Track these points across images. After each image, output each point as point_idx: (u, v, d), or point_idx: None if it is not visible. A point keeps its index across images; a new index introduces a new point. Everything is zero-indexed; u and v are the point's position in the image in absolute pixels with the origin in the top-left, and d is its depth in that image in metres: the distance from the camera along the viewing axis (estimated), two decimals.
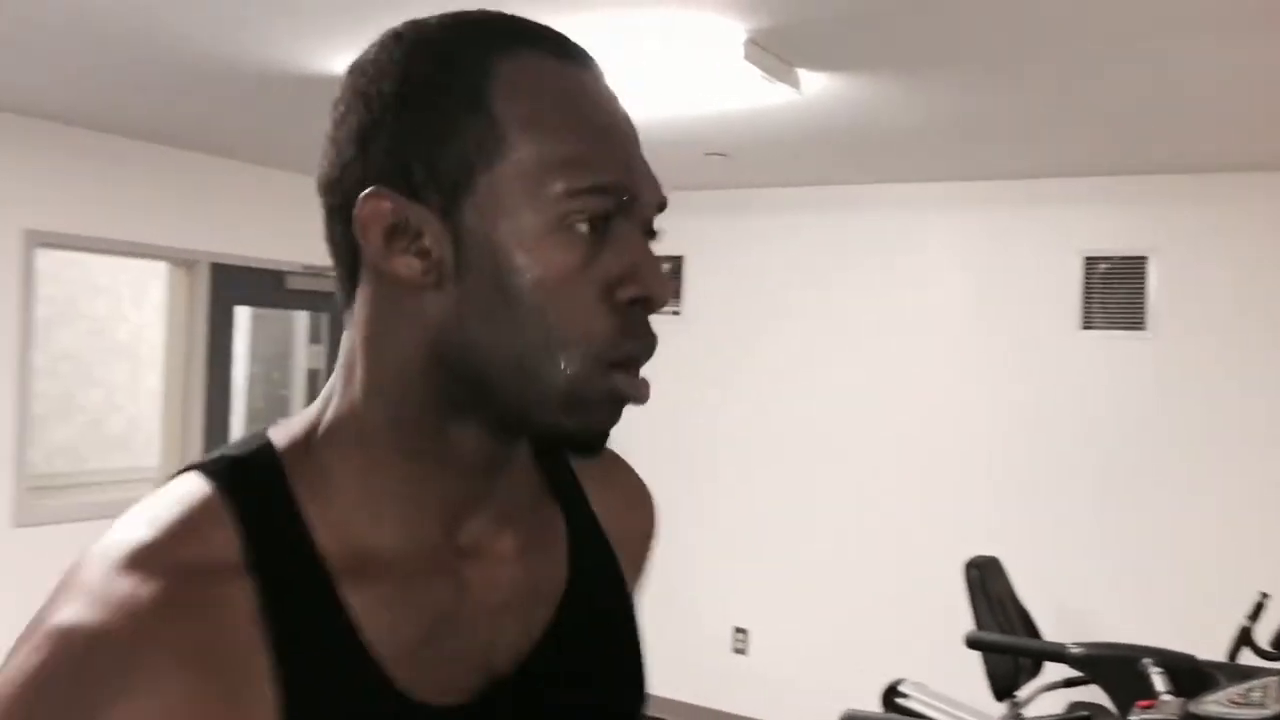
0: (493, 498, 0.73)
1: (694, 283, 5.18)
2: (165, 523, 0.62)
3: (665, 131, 3.82)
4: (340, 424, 0.68)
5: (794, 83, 3.02)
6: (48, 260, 4.61)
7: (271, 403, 5.83)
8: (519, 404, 0.65)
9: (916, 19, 2.59)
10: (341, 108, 0.67)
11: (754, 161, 4.36)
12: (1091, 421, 4.29)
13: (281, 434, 0.69)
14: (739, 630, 5.01)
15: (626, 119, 0.69)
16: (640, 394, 0.67)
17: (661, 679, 4.93)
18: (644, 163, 0.69)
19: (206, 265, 4.70)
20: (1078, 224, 4.35)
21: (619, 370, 0.66)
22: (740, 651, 5.00)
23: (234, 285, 4.83)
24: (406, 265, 0.64)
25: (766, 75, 2.86)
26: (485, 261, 0.63)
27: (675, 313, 5.20)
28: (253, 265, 4.85)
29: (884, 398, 4.71)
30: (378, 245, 0.64)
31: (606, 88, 0.69)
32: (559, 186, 0.63)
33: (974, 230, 4.58)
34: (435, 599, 0.69)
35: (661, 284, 0.66)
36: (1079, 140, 3.73)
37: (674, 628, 5.12)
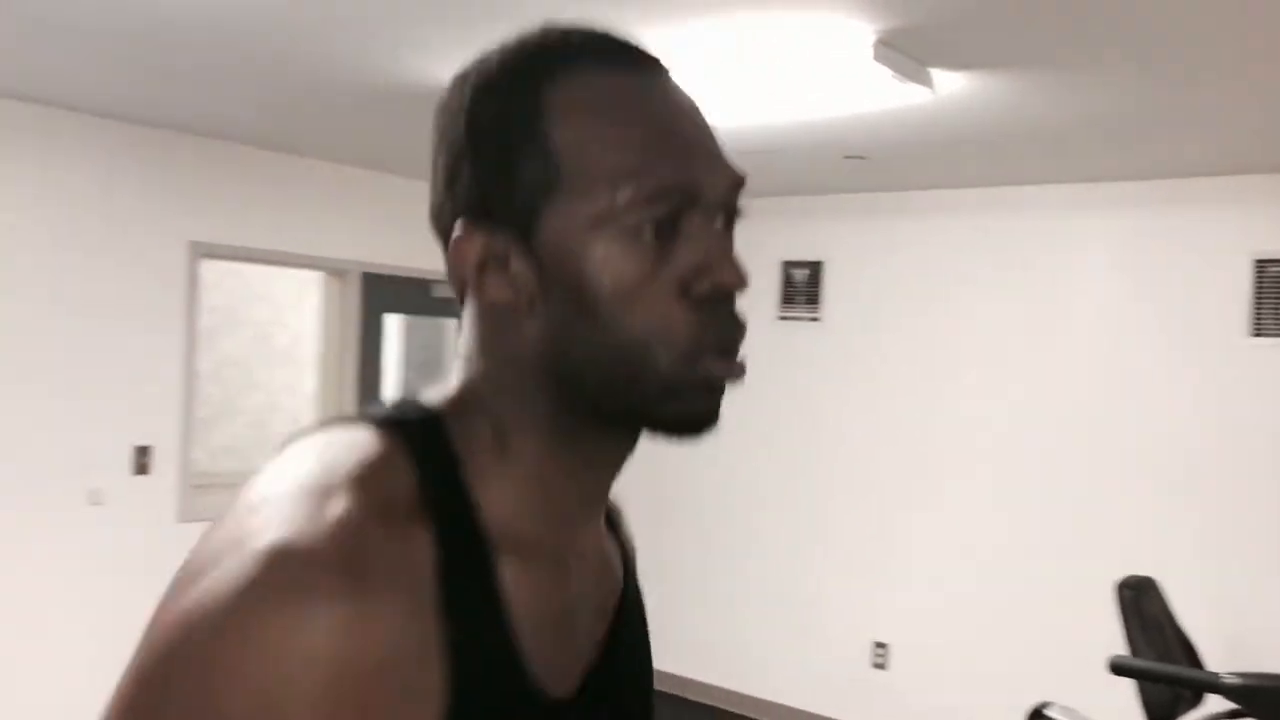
0: (602, 498, 0.76)
1: (833, 288, 5.09)
2: (351, 462, 0.65)
3: (801, 135, 3.77)
4: (479, 402, 0.71)
5: (927, 83, 2.93)
6: (211, 271, 4.89)
7: None
8: (626, 404, 0.69)
9: (1055, 14, 2.48)
10: (433, 148, 0.72)
11: (893, 164, 4.25)
12: (1260, 433, 4.01)
13: (433, 399, 0.72)
14: (879, 645, 4.88)
15: (687, 112, 0.70)
16: (734, 374, 0.69)
17: (799, 691, 4.90)
18: (710, 150, 0.69)
19: (358, 274, 4.89)
20: (1247, 225, 4.07)
21: (710, 357, 0.67)
22: (880, 666, 4.88)
23: (384, 293, 5.02)
24: (499, 292, 0.68)
25: (898, 76, 2.78)
26: (564, 281, 0.66)
27: (814, 319, 5.12)
28: (401, 274, 5.02)
29: (1030, 406, 4.51)
30: (473, 277, 0.69)
31: (663, 85, 0.70)
32: (615, 200, 0.65)
33: (1127, 233, 4.34)
34: (565, 594, 0.73)
35: (733, 270, 0.67)
36: (1246, 134, 3.49)
37: (813, 640, 5.04)
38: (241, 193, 4.48)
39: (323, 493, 0.62)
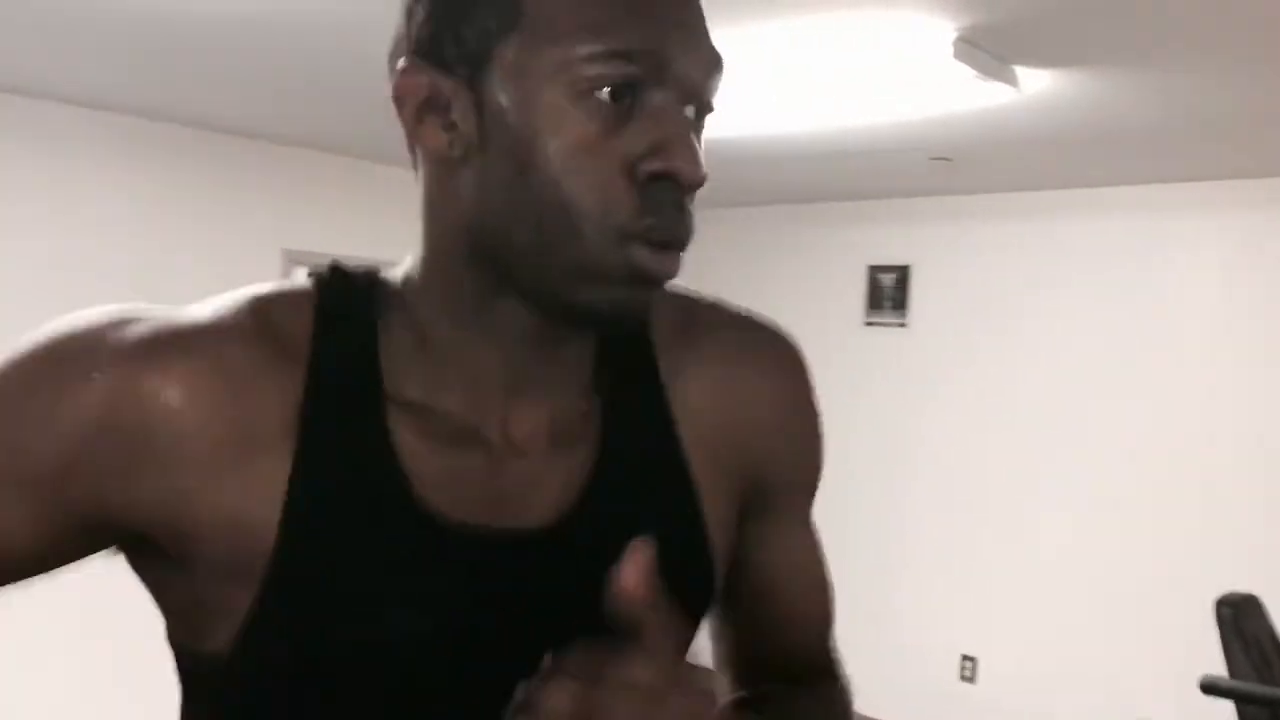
0: (541, 379, 0.71)
1: (921, 293, 4.99)
2: (262, 293, 0.69)
3: (884, 137, 3.71)
4: (406, 286, 0.70)
5: (1012, 81, 2.85)
6: None
7: None
8: (541, 278, 0.64)
9: (1146, 6, 2.39)
10: None
11: (980, 165, 4.15)
12: None
13: (387, 273, 0.72)
14: (967, 658, 4.76)
15: None
16: (663, 269, 0.64)
17: (883, 703, 4.81)
18: (689, 27, 0.64)
19: None
20: None
21: (640, 245, 0.63)
22: (968, 679, 4.76)
23: None
24: (435, 138, 0.64)
25: (980, 74, 2.72)
26: (506, 133, 0.62)
27: (901, 324, 5.03)
28: None
29: (1126, 416, 4.35)
30: (411, 118, 0.65)
31: None
32: (576, 51, 0.60)
33: (1234, 235, 4.16)
34: (472, 462, 0.68)
35: (690, 159, 0.62)
36: None
37: (898, 652, 4.94)
38: (332, 201, 4.59)
39: (223, 301, 0.67)
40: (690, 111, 0.65)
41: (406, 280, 0.71)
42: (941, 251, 4.92)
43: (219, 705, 0.69)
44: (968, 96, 3.07)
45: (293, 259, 4.48)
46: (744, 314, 0.83)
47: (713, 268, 5.58)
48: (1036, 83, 2.93)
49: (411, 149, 0.68)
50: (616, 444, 0.72)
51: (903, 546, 4.98)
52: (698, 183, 0.63)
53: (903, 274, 5.04)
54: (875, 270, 5.13)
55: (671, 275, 0.65)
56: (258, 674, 0.65)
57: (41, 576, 0.66)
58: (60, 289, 3.89)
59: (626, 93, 0.61)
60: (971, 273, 4.82)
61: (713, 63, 0.65)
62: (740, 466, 0.78)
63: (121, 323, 0.64)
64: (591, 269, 0.63)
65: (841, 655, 0.94)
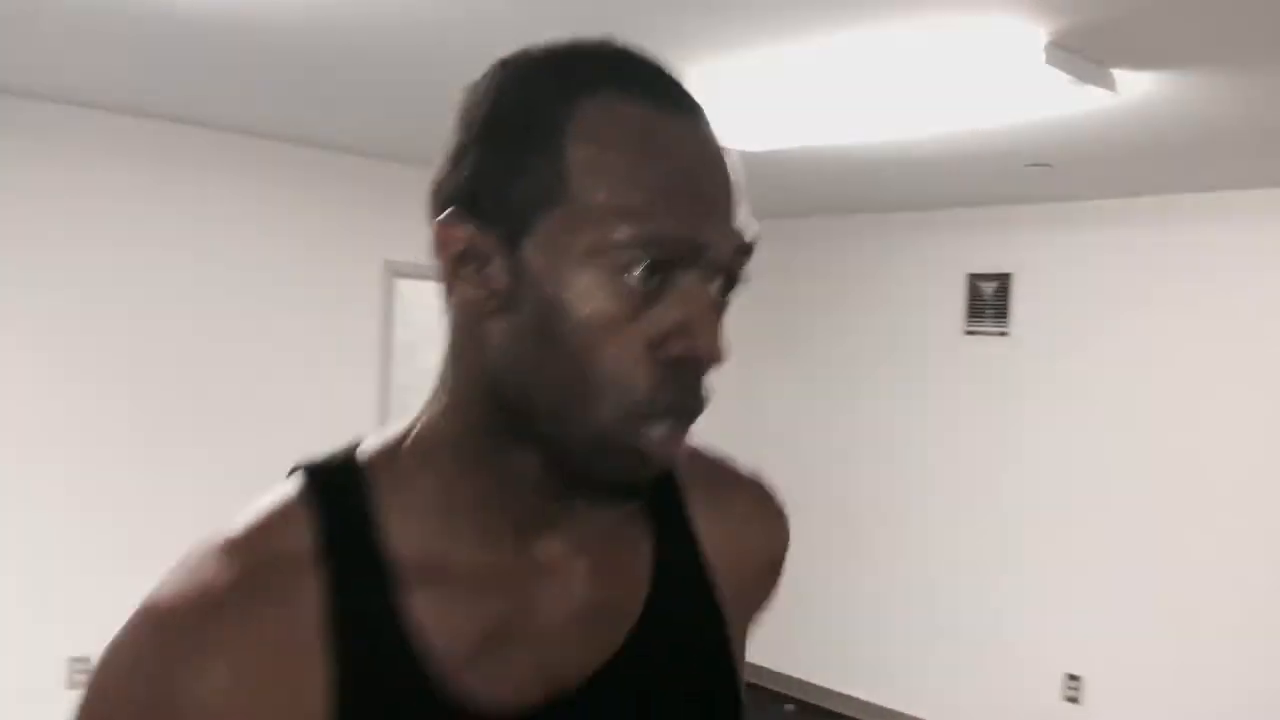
0: (568, 518, 0.73)
1: (1022, 301, 4.87)
2: (256, 515, 0.69)
3: (978, 143, 3.64)
4: (425, 433, 0.72)
5: (1109, 85, 2.77)
6: (412, 289, 5.16)
7: None
8: (555, 441, 0.66)
9: (1248, 2, 2.30)
10: (452, 123, 0.70)
11: (1079, 172, 4.04)
12: None
13: (374, 441, 0.74)
14: (1071, 677, 4.62)
15: (711, 164, 0.67)
16: (668, 452, 0.66)
17: None
18: (723, 209, 0.66)
19: None
20: None
21: (655, 425, 0.65)
22: (1073, 700, 4.62)
23: None
24: (470, 290, 0.66)
25: (1074, 79, 2.65)
26: (537, 298, 0.64)
27: (1003, 333, 4.91)
28: None
29: (1234, 426, 4.17)
30: (447, 267, 0.67)
31: (695, 131, 0.67)
32: (613, 236, 0.62)
33: None
34: (501, 610, 0.71)
35: (710, 340, 0.64)
36: None
37: (999, 669, 4.83)
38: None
39: (211, 553, 0.66)
40: (718, 285, 0.67)
41: (413, 435, 0.72)
42: (1044, 258, 4.80)
43: None
44: (1064, 101, 3.00)
45: (393, 270, 4.62)
46: (751, 472, 0.90)
47: (812, 277, 5.56)
48: (1136, 86, 2.85)
49: (444, 293, 0.69)
50: (662, 585, 0.77)
51: (1004, 560, 4.86)
52: (716, 363, 0.65)
53: (1004, 282, 4.93)
54: (975, 278, 5.03)
55: (670, 458, 0.67)
56: None
57: None
58: (177, 301, 4.09)
59: (658, 275, 0.63)
60: (1075, 280, 4.69)
61: (744, 246, 0.67)
62: (745, 604, 0.86)
63: (136, 634, 0.66)
64: (603, 443, 0.65)
65: None
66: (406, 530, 0.69)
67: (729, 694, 0.79)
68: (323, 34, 2.80)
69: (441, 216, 0.67)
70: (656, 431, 0.65)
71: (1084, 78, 2.68)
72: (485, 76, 0.69)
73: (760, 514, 0.88)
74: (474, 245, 0.66)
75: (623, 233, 0.62)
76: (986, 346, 4.98)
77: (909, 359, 5.23)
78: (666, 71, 0.69)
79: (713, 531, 0.82)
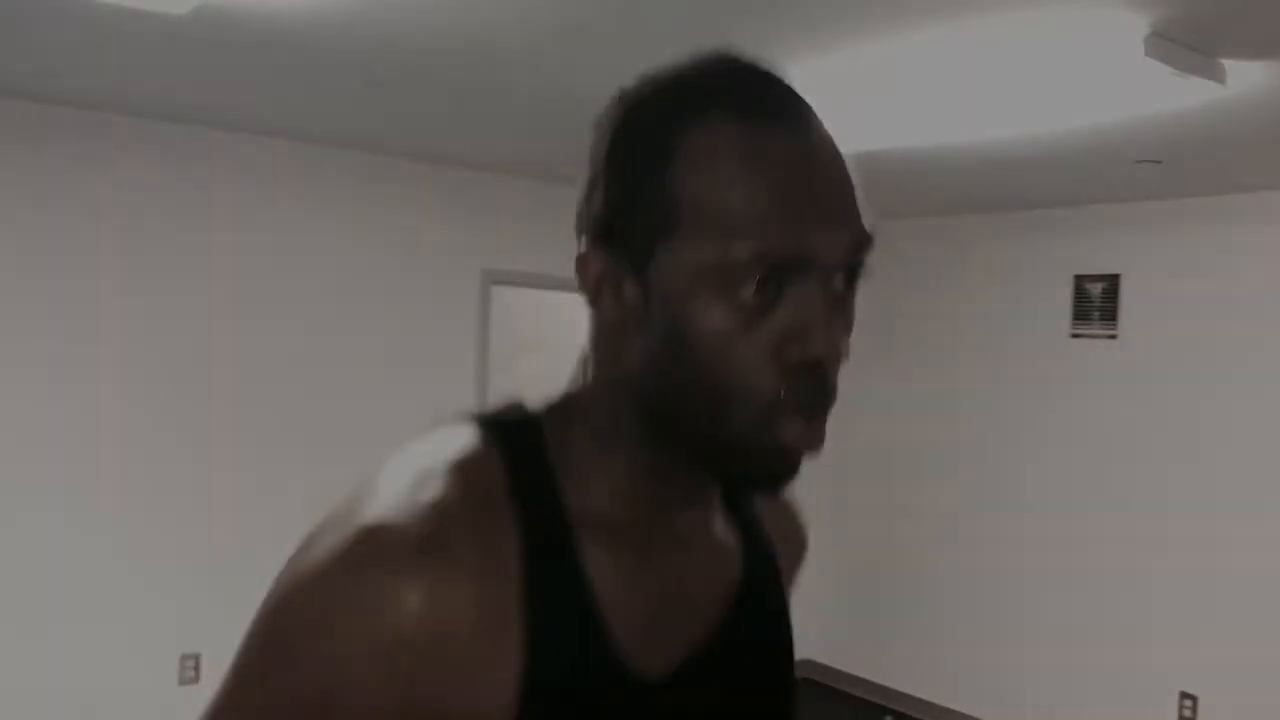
0: (704, 494, 0.79)
1: (1132, 302, 4.69)
2: (454, 455, 0.72)
3: (1082, 140, 3.53)
4: (581, 407, 0.77)
5: (1218, 76, 2.65)
6: (514, 297, 5.24)
7: None
8: (699, 445, 0.72)
9: None
10: (588, 156, 0.76)
11: (1191, 167, 3.87)
12: None
13: (539, 407, 0.78)
14: (1186, 696, 4.43)
15: (823, 169, 0.69)
16: (807, 446, 0.70)
17: None
18: (838, 213, 0.68)
19: None
20: None
21: (787, 423, 0.69)
22: (1188, 719, 4.42)
23: None
24: (610, 309, 0.72)
25: (1178, 71, 2.55)
26: (665, 316, 0.69)
27: (1111, 336, 4.74)
28: None
29: None
30: (590, 288, 0.73)
31: (804, 139, 0.69)
32: (724, 256, 0.66)
33: None
34: (659, 574, 0.76)
35: (828, 340, 0.67)
36: None
37: (1109, 686, 4.66)
38: (527, 223, 4.77)
39: (420, 480, 0.70)
40: (839, 282, 0.69)
41: (573, 405, 0.77)
42: (1155, 259, 4.61)
43: None
44: (1170, 95, 2.89)
45: (490, 278, 4.69)
46: None
47: (915, 278, 5.46)
48: (1247, 76, 2.72)
49: (590, 311, 0.75)
50: (753, 562, 0.85)
51: (1114, 572, 4.69)
52: (835, 362, 0.68)
53: (1112, 283, 4.76)
54: (1082, 279, 4.87)
55: (818, 445, 0.70)
56: None
57: None
58: (280, 311, 4.22)
59: (773, 285, 0.67)
60: (1187, 280, 4.50)
61: (860, 244, 0.69)
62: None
63: (350, 549, 0.68)
64: (740, 446, 0.70)
65: None
66: (578, 488, 0.74)
67: (792, 656, 0.87)
68: (426, 53, 2.86)
69: (581, 250, 0.73)
70: (790, 429, 0.69)
71: (1189, 69, 2.57)
72: (608, 109, 0.74)
73: (793, 518, 0.96)
74: (608, 271, 0.71)
75: (732, 253, 0.66)
76: (1094, 349, 4.81)
77: (1013, 362, 5.09)
78: (776, 80, 0.71)
79: (767, 518, 0.90)
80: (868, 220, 0.70)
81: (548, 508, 0.72)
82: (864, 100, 3.16)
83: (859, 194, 0.70)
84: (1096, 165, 3.94)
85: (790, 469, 0.71)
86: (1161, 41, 2.49)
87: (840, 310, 0.69)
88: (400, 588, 0.65)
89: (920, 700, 5.35)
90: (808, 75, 2.89)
